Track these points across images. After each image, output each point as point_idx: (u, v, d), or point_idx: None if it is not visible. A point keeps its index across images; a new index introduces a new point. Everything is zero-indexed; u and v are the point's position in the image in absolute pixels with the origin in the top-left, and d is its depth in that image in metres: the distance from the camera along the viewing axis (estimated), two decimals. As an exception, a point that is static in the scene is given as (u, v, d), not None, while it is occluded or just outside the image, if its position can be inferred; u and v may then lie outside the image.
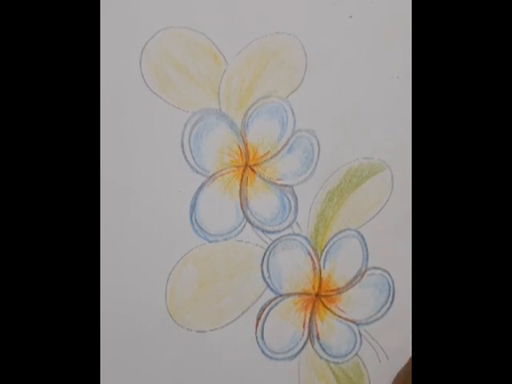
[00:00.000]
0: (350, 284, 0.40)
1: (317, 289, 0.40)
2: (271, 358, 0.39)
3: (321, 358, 0.39)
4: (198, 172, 0.39)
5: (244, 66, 0.39)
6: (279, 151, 0.40)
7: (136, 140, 0.39)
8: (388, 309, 0.41)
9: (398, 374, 0.38)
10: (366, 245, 0.40)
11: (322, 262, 0.40)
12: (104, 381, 0.36)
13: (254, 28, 0.39)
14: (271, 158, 0.40)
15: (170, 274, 0.39)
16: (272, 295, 0.39)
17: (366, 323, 0.40)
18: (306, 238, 0.40)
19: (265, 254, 0.40)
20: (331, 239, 0.40)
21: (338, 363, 0.40)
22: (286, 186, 0.40)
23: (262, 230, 0.40)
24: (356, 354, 0.40)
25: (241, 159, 0.40)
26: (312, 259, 0.40)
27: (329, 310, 0.40)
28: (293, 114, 0.40)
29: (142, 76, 0.39)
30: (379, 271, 0.41)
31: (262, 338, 0.39)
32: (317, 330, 0.40)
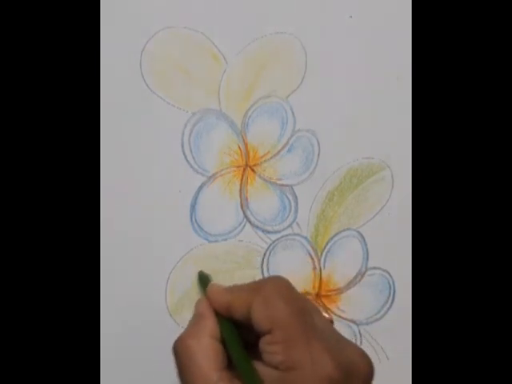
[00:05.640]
0: (350, 284, 0.40)
1: (317, 289, 0.40)
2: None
3: (321, 358, 0.39)
4: (198, 172, 0.39)
5: (244, 66, 0.39)
6: (279, 151, 0.40)
7: (136, 140, 0.39)
8: (388, 309, 0.41)
9: None
10: (366, 245, 0.40)
11: (322, 261, 0.40)
12: (104, 380, 0.36)
13: (254, 28, 0.39)
14: (271, 158, 0.40)
15: (170, 273, 0.39)
16: (272, 295, 0.39)
17: (366, 323, 0.40)
18: (305, 238, 0.40)
19: (265, 254, 0.40)
20: (331, 239, 0.40)
21: (338, 363, 0.40)
22: (286, 185, 0.40)
23: (262, 230, 0.40)
24: (356, 354, 0.40)
25: (241, 159, 0.40)
26: (312, 259, 0.40)
27: (329, 310, 0.40)
28: (293, 114, 0.40)
29: (142, 76, 0.39)
30: (379, 271, 0.41)
31: (262, 338, 0.39)
32: (317, 330, 0.40)
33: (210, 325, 0.34)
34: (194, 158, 0.39)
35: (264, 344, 0.31)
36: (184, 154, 0.39)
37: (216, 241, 0.39)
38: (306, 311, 0.32)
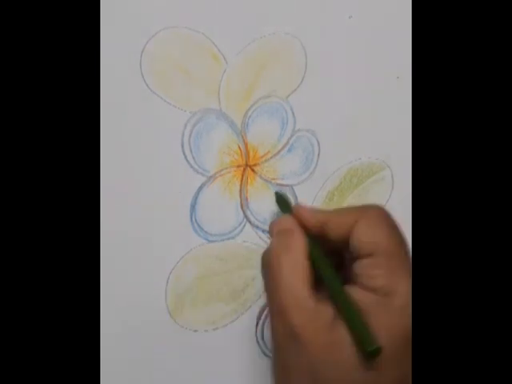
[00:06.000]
0: (350, 284, 0.40)
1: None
2: (271, 358, 0.39)
3: (321, 358, 0.39)
4: (198, 172, 0.39)
5: (244, 66, 0.39)
6: (279, 151, 0.40)
7: (136, 140, 0.39)
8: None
9: None
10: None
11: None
12: (104, 381, 0.36)
13: (254, 28, 0.39)
14: (271, 157, 0.40)
15: (170, 273, 0.39)
16: (272, 295, 0.39)
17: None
18: (306, 238, 0.40)
19: (265, 254, 0.40)
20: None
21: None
22: (286, 185, 0.40)
23: (262, 230, 0.40)
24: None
25: (241, 159, 0.40)
26: (312, 259, 0.40)
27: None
28: (293, 114, 0.40)
29: (142, 76, 0.39)
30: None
31: (262, 338, 0.39)
32: (317, 330, 0.40)
33: (300, 241, 0.33)
34: (194, 157, 0.39)
35: (363, 267, 0.31)
36: (184, 153, 0.39)
37: (216, 241, 0.39)
38: (406, 243, 0.32)
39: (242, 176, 0.40)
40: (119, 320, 0.38)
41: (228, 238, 0.39)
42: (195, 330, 0.39)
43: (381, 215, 0.33)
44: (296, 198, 0.40)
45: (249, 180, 0.40)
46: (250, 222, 0.40)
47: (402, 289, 0.30)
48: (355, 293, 0.31)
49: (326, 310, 0.30)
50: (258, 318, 0.39)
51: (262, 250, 0.39)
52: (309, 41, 0.40)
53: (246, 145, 0.40)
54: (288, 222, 0.34)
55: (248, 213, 0.40)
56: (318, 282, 0.31)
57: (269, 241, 0.40)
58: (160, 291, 0.39)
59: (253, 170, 0.40)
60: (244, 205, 0.40)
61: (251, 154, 0.40)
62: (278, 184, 0.40)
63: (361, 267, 0.31)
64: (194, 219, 0.39)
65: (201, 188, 0.39)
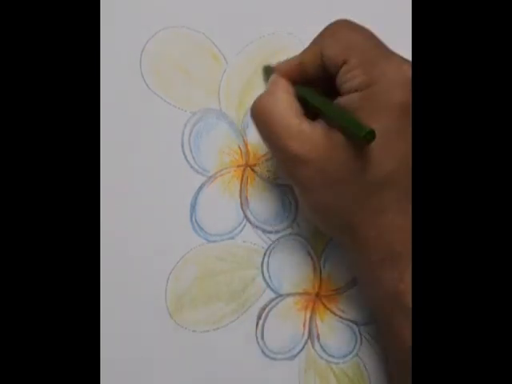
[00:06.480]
0: (350, 284, 0.40)
1: (317, 289, 0.40)
2: (271, 358, 0.39)
3: (321, 358, 0.39)
4: (198, 172, 0.39)
5: (244, 66, 0.39)
6: (279, 151, 0.40)
7: (136, 140, 0.39)
8: (388, 309, 0.41)
9: None
10: (366, 245, 0.40)
11: (322, 261, 0.40)
12: (104, 381, 0.36)
13: (254, 28, 0.39)
14: (271, 157, 0.40)
15: (170, 273, 0.39)
16: (272, 295, 0.39)
17: (366, 323, 0.40)
18: (306, 238, 0.40)
19: (265, 254, 0.40)
20: (331, 239, 0.40)
21: (338, 363, 0.40)
22: (286, 185, 0.40)
23: (262, 230, 0.40)
24: (356, 354, 0.40)
25: (241, 159, 0.40)
26: (312, 259, 0.40)
27: (329, 310, 0.40)
28: (293, 113, 0.40)
29: (142, 76, 0.39)
30: (379, 271, 0.40)
31: (262, 338, 0.39)
32: (317, 330, 0.40)
33: (283, 83, 0.34)
34: (194, 157, 0.39)
35: (342, 75, 0.31)
36: (184, 153, 0.39)
37: (216, 241, 0.39)
38: (375, 35, 0.33)
39: (242, 176, 0.40)
40: (119, 320, 0.38)
41: (228, 238, 0.39)
42: (195, 330, 0.39)
43: (340, 24, 0.33)
44: (296, 197, 0.40)
45: (249, 180, 0.40)
46: (249, 222, 0.40)
47: (384, 73, 0.31)
48: (340, 101, 0.31)
49: (320, 127, 0.31)
50: (258, 318, 0.39)
51: (262, 250, 0.40)
52: (309, 41, 0.39)
53: (246, 144, 0.40)
54: (272, 77, 0.35)
55: (248, 213, 0.40)
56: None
57: (269, 241, 0.40)
58: (160, 291, 0.39)
59: (253, 170, 0.40)
60: (244, 205, 0.40)
61: (251, 153, 0.40)
62: (278, 184, 0.40)
63: (341, 76, 0.32)
64: (193, 219, 0.39)
65: (201, 188, 0.39)
